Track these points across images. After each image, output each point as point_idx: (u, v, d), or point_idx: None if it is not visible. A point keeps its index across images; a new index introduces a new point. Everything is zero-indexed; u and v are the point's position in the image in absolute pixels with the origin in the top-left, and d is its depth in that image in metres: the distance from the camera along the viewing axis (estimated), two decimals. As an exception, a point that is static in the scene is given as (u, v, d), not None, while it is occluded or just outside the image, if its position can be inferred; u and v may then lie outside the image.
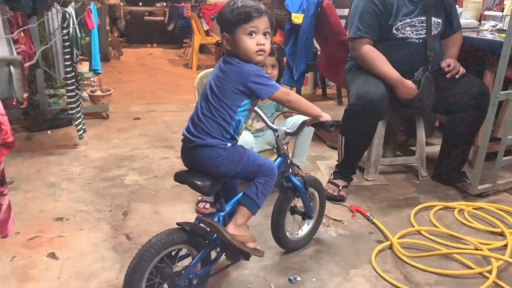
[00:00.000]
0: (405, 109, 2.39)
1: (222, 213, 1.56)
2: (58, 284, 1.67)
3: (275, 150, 1.73)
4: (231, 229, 1.49)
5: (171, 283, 1.45)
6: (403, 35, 2.32)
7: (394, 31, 2.31)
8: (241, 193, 1.55)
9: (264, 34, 1.45)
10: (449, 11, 2.44)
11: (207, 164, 1.46)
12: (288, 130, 1.68)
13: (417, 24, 2.32)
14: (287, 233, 1.86)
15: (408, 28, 2.31)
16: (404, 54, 2.34)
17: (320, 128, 1.60)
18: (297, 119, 2.20)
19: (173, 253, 1.47)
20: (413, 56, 2.35)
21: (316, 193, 1.93)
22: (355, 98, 2.25)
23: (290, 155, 2.40)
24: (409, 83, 2.29)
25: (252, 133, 2.33)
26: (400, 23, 2.30)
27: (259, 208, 1.54)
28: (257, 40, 1.43)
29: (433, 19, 2.35)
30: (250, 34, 1.42)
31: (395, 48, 2.34)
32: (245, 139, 2.15)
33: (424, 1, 2.32)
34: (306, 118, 1.66)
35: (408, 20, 2.30)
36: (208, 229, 1.49)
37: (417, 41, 2.34)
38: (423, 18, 2.32)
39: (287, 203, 1.81)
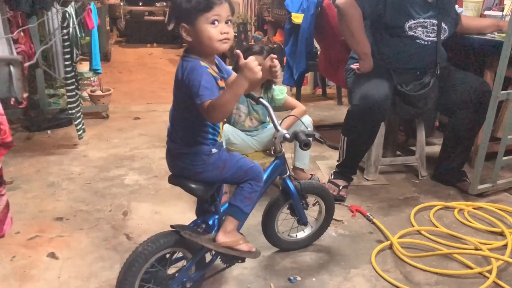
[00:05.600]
0: (408, 107, 2.39)
1: (217, 216, 1.55)
2: (58, 284, 1.67)
3: (272, 152, 1.72)
4: (220, 237, 1.47)
5: (164, 287, 1.44)
6: (413, 34, 2.32)
7: (406, 29, 2.31)
8: (227, 204, 1.55)
9: (226, 22, 1.36)
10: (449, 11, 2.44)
11: (190, 170, 1.44)
12: (287, 135, 1.65)
13: (428, 26, 2.32)
14: (281, 233, 1.86)
15: (419, 29, 2.31)
16: (411, 53, 2.34)
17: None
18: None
19: (167, 255, 1.46)
20: (418, 56, 2.35)
21: (321, 202, 1.89)
22: (359, 99, 2.25)
23: (291, 155, 2.39)
24: (371, 60, 2.36)
25: (244, 130, 2.32)
26: (413, 22, 2.30)
27: (248, 215, 1.53)
28: (220, 29, 1.34)
29: (443, 24, 2.36)
30: (213, 22, 1.32)
31: (403, 45, 2.34)
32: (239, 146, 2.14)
33: (437, 5, 2.33)
34: (299, 128, 1.65)
35: (421, 20, 2.30)
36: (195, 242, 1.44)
37: (425, 42, 2.34)
38: (434, 21, 2.33)
39: (277, 206, 1.79)
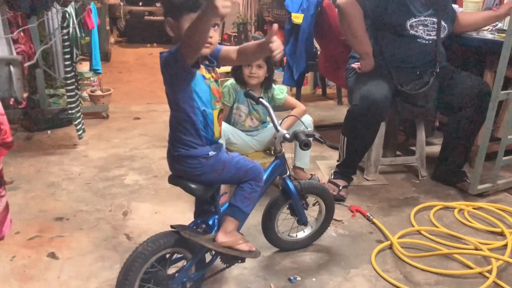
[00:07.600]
0: (409, 106, 2.39)
1: (216, 216, 1.55)
2: (58, 284, 1.67)
3: (272, 152, 1.72)
4: (220, 237, 1.47)
5: (164, 287, 1.44)
6: (415, 33, 2.32)
7: (408, 28, 2.31)
8: (227, 204, 1.54)
9: (213, 25, 1.29)
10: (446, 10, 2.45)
11: (189, 173, 1.43)
12: (287, 135, 1.66)
13: (429, 24, 2.33)
14: (281, 234, 1.86)
15: (420, 27, 2.31)
16: (411, 52, 2.35)
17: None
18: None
19: (167, 255, 1.46)
20: (418, 55, 2.36)
21: (321, 202, 1.89)
22: (359, 99, 2.25)
23: (291, 155, 2.39)
24: (372, 60, 2.37)
25: (244, 130, 2.31)
26: (414, 20, 2.30)
27: (248, 215, 1.53)
28: None
29: (442, 22, 2.36)
30: None
31: (404, 44, 2.35)
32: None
33: (436, 3, 2.33)
34: (299, 128, 1.65)
35: (422, 18, 2.31)
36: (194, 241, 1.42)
37: (425, 41, 2.34)
38: (434, 19, 2.33)
39: (277, 206, 1.79)
